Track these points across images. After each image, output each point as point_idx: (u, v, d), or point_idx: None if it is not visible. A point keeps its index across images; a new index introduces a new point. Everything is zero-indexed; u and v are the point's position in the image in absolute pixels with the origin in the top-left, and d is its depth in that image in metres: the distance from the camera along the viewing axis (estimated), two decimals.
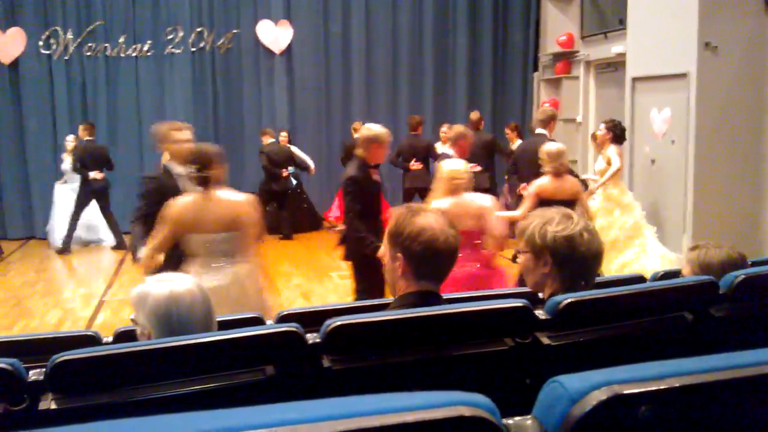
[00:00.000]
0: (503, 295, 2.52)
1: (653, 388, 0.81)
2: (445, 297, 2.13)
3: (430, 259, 2.04)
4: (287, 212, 9.93)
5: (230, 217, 3.62)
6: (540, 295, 2.49)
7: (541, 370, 1.95)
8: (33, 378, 1.69)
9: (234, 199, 3.73)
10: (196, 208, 3.61)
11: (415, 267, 2.06)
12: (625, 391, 0.80)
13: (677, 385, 0.82)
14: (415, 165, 8.89)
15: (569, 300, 1.97)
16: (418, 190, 8.54)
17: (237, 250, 3.67)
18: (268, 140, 9.67)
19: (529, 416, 0.85)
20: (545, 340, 1.93)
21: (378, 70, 11.18)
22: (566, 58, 10.43)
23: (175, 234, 3.62)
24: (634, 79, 8.33)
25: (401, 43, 11.17)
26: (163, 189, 3.96)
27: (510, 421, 0.82)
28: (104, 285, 7.41)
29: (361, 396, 0.73)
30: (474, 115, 9.17)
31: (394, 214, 2.18)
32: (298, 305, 6.33)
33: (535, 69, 11.24)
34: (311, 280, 7.59)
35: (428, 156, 8.88)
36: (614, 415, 0.81)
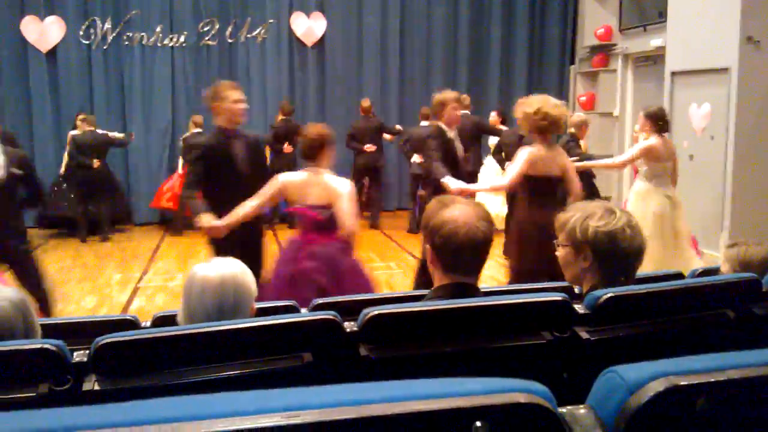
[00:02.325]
0: (542, 288, 2.50)
1: (711, 380, 0.80)
2: (483, 289, 2.11)
3: (451, 252, 2.03)
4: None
5: None
6: (576, 289, 2.47)
7: (579, 364, 1.93)
8: (77, 359, 1.72)
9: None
10: None
11: (441, 259, 2.07)
12: (683, 383, 0.79)
13: (736, 377, 0.80)
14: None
15: (609, 295, 1.95)
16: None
17: None
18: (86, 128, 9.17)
19: (582, 405, 0.84)
20: (584, 335, 1.90)
21: (411, 63, 11.15)
22: (604, 51, 10.28)
23: None
24: (674, 74, 8.18)
25: (435, 35, 11.12)
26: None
27: (563, 410, 0.81)
28: (140, 271, 7.53)
29: (414, 380, 0.73)
30: (365, 102, 9.77)
31: (427, 206, 2.19)
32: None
33: (572, 62, 11.10)
34: None
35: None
36: (672, 406, 0.79)
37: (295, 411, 0.65)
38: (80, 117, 9.26)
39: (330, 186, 3.96)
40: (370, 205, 9.89)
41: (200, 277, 1.97)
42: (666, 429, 0.80)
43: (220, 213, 4.10)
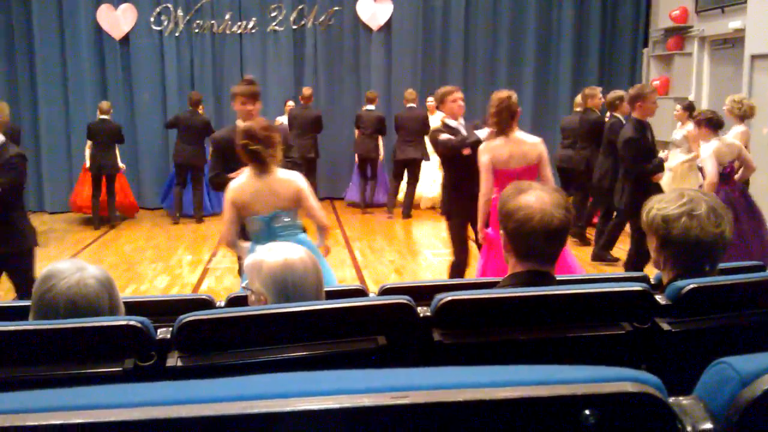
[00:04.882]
0: (621, 278, 2.45)
1: None
2: (558, 278, 2.07)
3: (524, 238, 2.00)
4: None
5: None
6: (653, 279, 2.40)
7: (658, 356, 1.89)
8: (161, 336, 1.78)
9: None
10: None
11: (514, 245, 2.04)
12: None
13: None
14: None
15: (692, 286, 1.89)
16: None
17: None
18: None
19: (688, 396, 0.81)
20: (665, 326, 1.85)
21: (477, 45, 11.02)
22: (679, 33, 9.90)
23: None
24: (754, 57, 7.83)
25: (502, 18, 10.94)
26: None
27: (670, 400, 0.79)
28: (208, 253, 7.73)
29: (520, 366, 0.72)
30: (306, 90, 9.73)
31: (503, 191, 2.16)
32: (392, 281, 6.38)
33: (645, 45, 10.74)
34: (404, 256, 7.63)
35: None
36: None
37: (403, 391, 0.65)
38: None
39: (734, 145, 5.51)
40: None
41: (297, 259, 2.02)
42: None
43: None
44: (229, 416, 0.74)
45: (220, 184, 4.25)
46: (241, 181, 3.76)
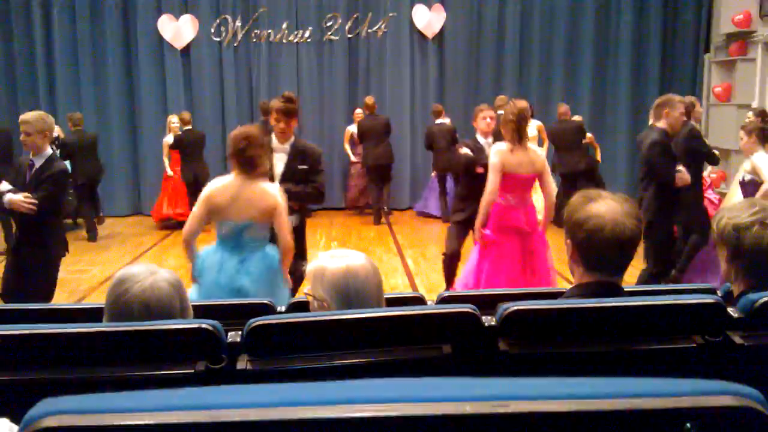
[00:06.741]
0: (690, 290, 2.39)
1: None
2: (626, 289, 2.04)
3: (594, 249, 1.96)
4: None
5: None
6: (719, 292, 2.34)
7: (731, 370, 1.84)
8: (230, 339, 1.82)
9: None
10: None
11: (583, 255, 2.00)
12: None
13: None
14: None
15: (766, 299, 1.84)
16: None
17: None
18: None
19: None
20: (738, 340, 1.80)
21: (532, 53, 10.92)
22: (742, 38, 9.62)
23: None
24: None
25: (558, 25, 10.82)
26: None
27: None
28: None
29: (619, 378, 0.72)
30: (369, 99, 9.68)
31: (570, 200, 2.14)
32: (445, 289, 6.34)
33: (707, 50, 10.46)
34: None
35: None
36: None
37: (504, 401, 0.66)
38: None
39: None
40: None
41: (359, 266, 2.04)
42: None
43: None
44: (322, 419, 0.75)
45: None
46: (224, 182, 3.74)
